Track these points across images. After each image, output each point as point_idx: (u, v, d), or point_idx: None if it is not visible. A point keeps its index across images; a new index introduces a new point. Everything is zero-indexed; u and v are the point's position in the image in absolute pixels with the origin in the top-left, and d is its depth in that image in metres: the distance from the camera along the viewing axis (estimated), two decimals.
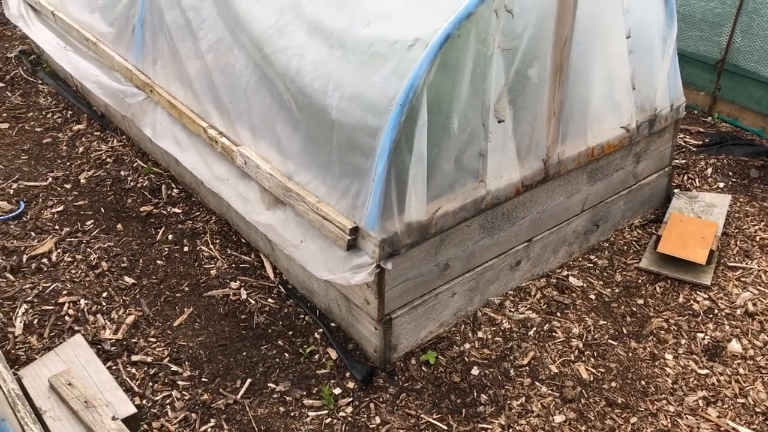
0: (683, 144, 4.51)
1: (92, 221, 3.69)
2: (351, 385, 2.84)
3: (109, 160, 4.18)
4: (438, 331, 3.04)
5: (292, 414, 2.72)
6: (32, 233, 3.58)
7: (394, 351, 2.91)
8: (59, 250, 3.47)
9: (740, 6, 4.47)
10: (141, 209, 3.79)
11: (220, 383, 2.84)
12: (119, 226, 3.67)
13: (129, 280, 3.31)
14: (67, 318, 3.08)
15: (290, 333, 3.08)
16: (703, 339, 3.08)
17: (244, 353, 2.98)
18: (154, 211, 3.78)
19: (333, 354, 2.96)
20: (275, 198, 3.03)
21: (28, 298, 3.16)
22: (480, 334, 3.06)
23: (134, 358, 2.91)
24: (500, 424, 2.68)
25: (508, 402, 2.77)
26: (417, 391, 2.81)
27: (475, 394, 2.81)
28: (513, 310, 3.19)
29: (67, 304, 3.14)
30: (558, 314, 3.18)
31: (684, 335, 3.10)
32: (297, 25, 2.96)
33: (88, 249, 3.48)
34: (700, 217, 3.70)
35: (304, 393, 2.81)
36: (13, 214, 3.68)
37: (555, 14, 2.77)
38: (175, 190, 3.94)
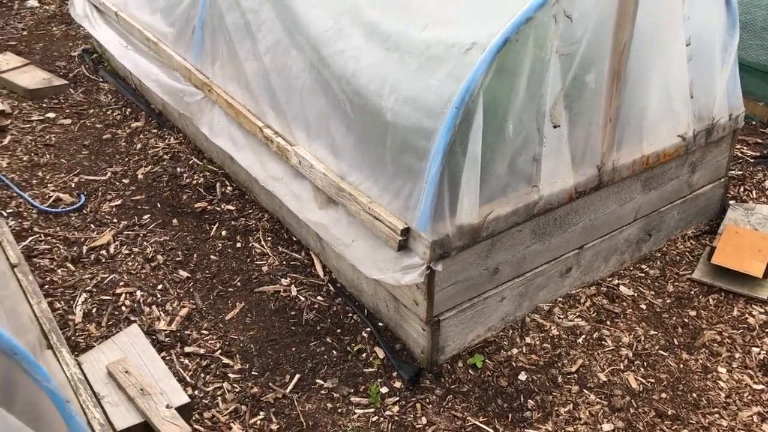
0: (740, 155, 4.41)
1: (149, 215, 3.80)
2: (398, 384, 2.86)
3: (165, 156, 4.30)
4: (485, 335, 3.04)
5: (339, 410, 2.76)
6: (92, 225, 3.70)
7: (441, 353, 2.92)
8: (117, 243, 3.58)
9: None
10: (196, 205, 3.88)
11: (270, 377, 2.89)
12: (175, 221, 3.77)
13: (183, 273, 3.40)
14: (123, 308, 3.18)
15: (338, 331, 3.11)
16: (759, 354, 3.01)
17: (293, 349, 3.03)
18: (209, 207, 3.87)
19: (380, 353, 2.99)
20: (328, 197, 3.08)
21: (88, 288, 3.27)
22: (528, 340, 3.05)
23: (187, 349, 2.99)
24: (547, 430, 2.67)
25: (556, 408, 2.76)
26: (463, 394, 2.82)
27: (522, 399, 2.80)
28: (562, 317, 3.17)
29: (124, 295, 3.25)
30: (608, 323, 3.15)
31: (738, 349, 3.04)
32: (354, 29, 3.00)
33: (145, 242, 3.59)
34: (756, 230, 3.62)
35: (352, 390, 2.84)
36: (75, 206, 3.81)
37: (614, 20, 2.75)
38: (229, 188, 4.02)
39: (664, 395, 2.82)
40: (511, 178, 2.74)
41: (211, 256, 3.53)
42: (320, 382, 2.88)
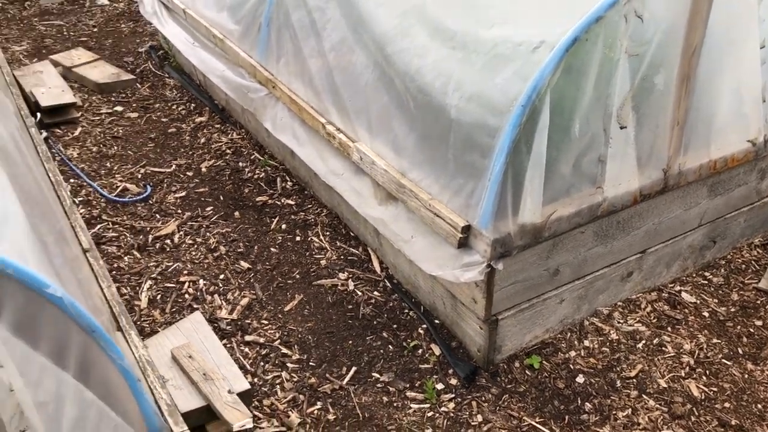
0: None
1: (212, 207, 3.90)
2: (453, 381, 2.87)
3: (228, 151, 4.40)
4: (543, 336, 3.02)
5: (395, 404, 2.78)
6: (157, 215, 3.82)
7: (498, 352, 2.91)
8: (181, 233, 3.68)
9: None
10: (257, 199, 3.97)
11: (327, 368, 2.94)
12: (236, 213, 3.85)
13: (244, 264, 3.48)
14: (187, 296, 3.27)
15: (395, 326, 3.14)
16: None
17: (350, 342, 3.07)
18: (269, 201, 3.95)
19: (436, 350, 3.00)
20: (388, 193, 3.10)
21: (153, 275, 3.38)
22: (586, 343, 3.02)
23: (247, 338, 3.06)
24: None
25: (614, 412, 2.72)
26: (520, 394, 2.81)
27: (579, 401, 2.77)
28: (621, 321, 3.13)
29: (187, 283, 3.34)
30: (669, 329, 3.09)
31: None
32: (419, 27, 3.03)
33: (208, 233, 3.68)
34: None
35: (407, 385, 2.86)
36: (141, 196, 3.94)
37: (686, 21, 2.70)
38: (289, 183, 4.10)
39: (727, 405, 2.76)
40: (575, 179, 2.72)
41: (271, 249, 3.60)
42: (376, 375, 2.91)
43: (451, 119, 2.73)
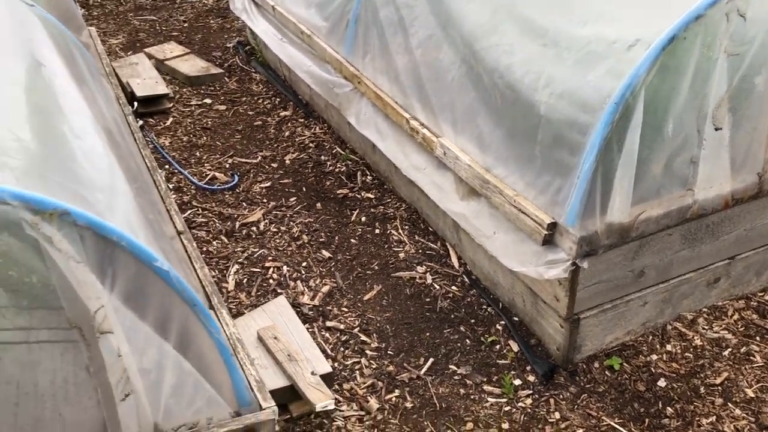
0: None
1: (295, 198, 4.01)
2: (531, 378, 2.87)
3: (311, 145, 4.51)
4: (624, 338, 2.99)
5: (471, 397, 2.80)
6: (244, 203, 3.96)
7: (578, 352, 2.90)
8: (266, 221, 3.81)
9: None
10: (338, 191, 4.06)
11: (404, 358, 2.99)
12: (318, 204, 3.95)
13: (326, 253, 3.57)
14: (271, 281, 3.38)
15: (472, 321, 3.16)
16: None
17: (428, 334, 3.11)
18: (350, 194, 4.04)
19: (514, 347, 3.01)
20: (470, 189, 3.13)
21: (239, 260, 3.51)
22: (669, 348, 2.96)
23: (329, 324, 3.14)
24: None
25: (697, 419, 2.67)
26: (599, 394, 2.79)
27: (661, 405, 2.73)
28: (706, 327, 3.06)
29: (271, 269, 3.45)
30: (757, 338, 3.00)
31: None
32: (510, 24, 3.04)
33: (291, 222, 3.79)
34: None
35: (485, 379, 2.88)
36: (229, 185, 4.09)
37: None
38: (369, 177, 4.17)
39: None
40: (665, 179, 2.69)
41: (351, 240, 3.68)
42: (453, 367, 2.94)
43: (540, 116, 2.74)
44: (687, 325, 3.07)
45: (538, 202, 2.76)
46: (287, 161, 4.36)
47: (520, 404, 2.77)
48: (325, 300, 3.27)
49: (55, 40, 3.13)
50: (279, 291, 3.31)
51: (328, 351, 3.00)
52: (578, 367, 2.90)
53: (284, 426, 2.63)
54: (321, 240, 3.67)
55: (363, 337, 3.08)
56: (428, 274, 3.43)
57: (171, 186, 4.06)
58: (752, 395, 2.76)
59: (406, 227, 3.76)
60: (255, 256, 3.54)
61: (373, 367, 2.94)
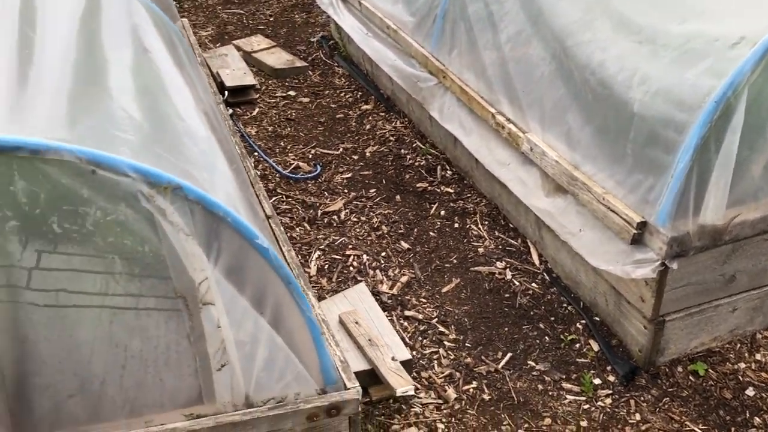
0: None
1: (375, 190, 4.07)
2: (611, 378, 2.84)
3: (391, 138, 4.57)
4: (710, 344, 2.92)
5: (550, 393, 2.80)
6: (325, 193, 4.04)
7: (661, 354, 2.85)
8: (347, 211, 3.88)
9: None
10: (417, 185, 4.10)
11: (482, 351, 3.00)
12: (398, 197, 4.00)
13: (405, 245, 3.62)
14: (351, 268, 3.45)
15: (552, 319, 3.15)
16: None
17: (506, 329, 3.11)
18: (429, 188, 4.07)
19: (595, 346, 2.98)
20: (556, 185, 3.11)
21: (321, 247, 3.59)
22: (758, 357, 2.88)
23: (407, 313, 3.18)
24: None
25: None
26: (682, 398, 2.73)
27: (748, 414, 2.66)
28: None
29: (352, 257, 3.52)
30: None
31: None
32: (603, 21, 3.01)
33: (371, 213, 3.86)
34: None
35: (563, 377, 2.86)
36: (312, 174, 4.19)
37: None
38: (449, 172, 4.19)
39: None
40: (764, 182, 2.61)
41: (430, 233, 3.71)
42: (531, 363, 2.93)
43: (633, 113, 2.70)
44: None
45: (628, 201, 2.72)
46: (368, 154, 4.42)
47: (599, 403, 2.74)
48: (404, 290, 3.32)
49: (158, 27, 3.29)
50: (359, 278, 3.37)
51: (407, 340, 3.04)
52: (660, 370, 2.85)
53: (364, 409, 2.69)
54: (400, 231, 3.71)
55: (441, 328, 3.11)
56: (508, 270, 3.43)
57: (258, 173, 4.18)
58: None
59: (486, 223, 3.76)
60: (336, 243, 3.62)
61: (451, 357, 2.97)
